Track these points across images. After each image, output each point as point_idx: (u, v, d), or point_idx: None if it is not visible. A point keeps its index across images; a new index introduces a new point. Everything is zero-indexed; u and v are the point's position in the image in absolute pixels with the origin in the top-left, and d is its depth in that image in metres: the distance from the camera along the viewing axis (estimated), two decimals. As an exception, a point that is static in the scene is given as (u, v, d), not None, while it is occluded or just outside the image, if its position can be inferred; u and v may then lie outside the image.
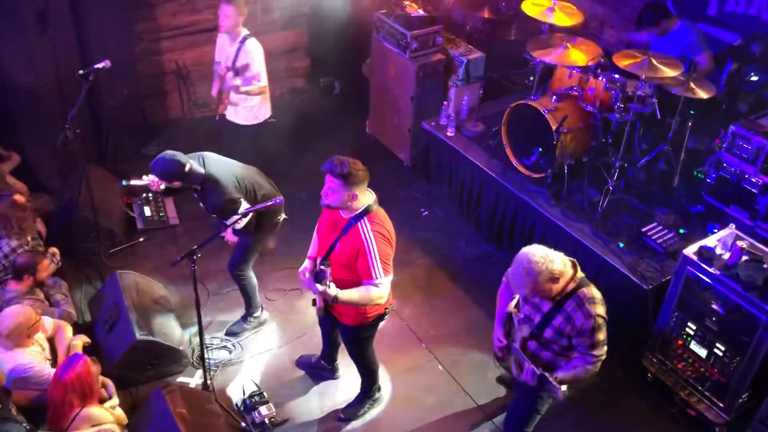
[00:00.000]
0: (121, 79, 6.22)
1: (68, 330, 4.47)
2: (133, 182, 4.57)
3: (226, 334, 4.99)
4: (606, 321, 3.46)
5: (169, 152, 4.21)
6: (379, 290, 3.67)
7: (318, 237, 3.94)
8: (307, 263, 3.96)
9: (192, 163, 4.23)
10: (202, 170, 4.27)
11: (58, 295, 4.75)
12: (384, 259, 3.63)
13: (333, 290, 3.59)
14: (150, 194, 6.07)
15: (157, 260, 5.50)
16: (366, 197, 3.68)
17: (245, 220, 4.32)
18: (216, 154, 4.52)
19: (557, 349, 3.56)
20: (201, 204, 4.50)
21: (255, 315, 5.04)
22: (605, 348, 3.50)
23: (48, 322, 4.35)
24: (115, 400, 4.11)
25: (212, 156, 4.46)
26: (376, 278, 3.62)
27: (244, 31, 5.46)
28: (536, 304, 3.57)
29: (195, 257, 3.93)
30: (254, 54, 5.42)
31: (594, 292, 3.47)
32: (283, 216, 4.70)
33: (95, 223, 5.37)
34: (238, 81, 5.44)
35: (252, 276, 4.87)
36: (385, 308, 3.94)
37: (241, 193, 4.35)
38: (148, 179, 4.37)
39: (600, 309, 3.43)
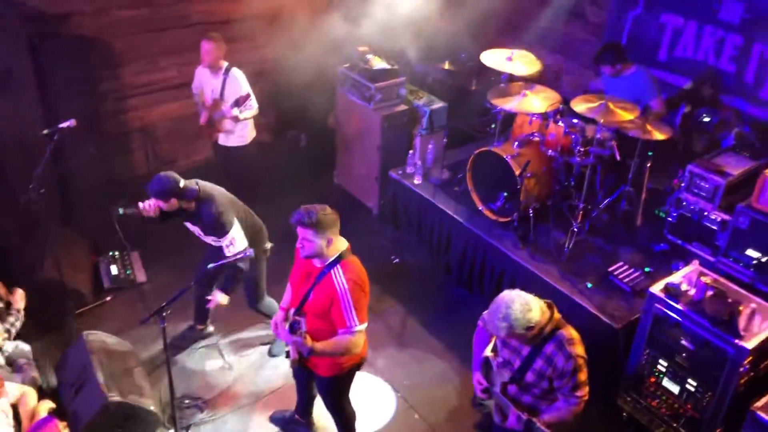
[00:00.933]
0: (86, 138, 6.20)
1: (32, 395, 4.32)
2: (129, 210, 4.58)
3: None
4: (586, 360, 3.49)
5: (163, 172, 4.36)
6: (355, 339, 3.64)
7: (291, 287, 3.93)
8: (279, 314, 3.93)
9: (185, 181, 4.37)
10: (195, 186, 4.39)
11: (21, 360, 4.62)
12: (358, 306, 3.61)
13: (308, 342, 3.56)
14: (116, 253, 6.00)
15: (125, 319, 5.40)
16: (340, 243, 3.70)
17: (239, 247, 4.37)
18: None
19: (538, 392, 3.56)
20: (194, 227, 4.56)
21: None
22: (587, 388, 3.52)
23: (12, 388, 4.21)
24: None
25: (204, 181, 4.60)
26: (351, 326, 3.60)
27: (226, 63, 5.85)
28: (515, 347, 3.58)
29: (164, 314, 3.87)
30: (241, 81, 5.84)
31: (572, 332, 3.51)
32: (269, 244, 4.85)
33: (61, 284, 5.27)
34: (236, 111, 5.76)
35: (271, 301, 5.00)
36: (361, 358, 3.91)
37: (234, 212, 4.45)
38: (142, 205, 4.42)
39: (579, 349, 3.46)
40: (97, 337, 4.84)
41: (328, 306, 3.62)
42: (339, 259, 3.66)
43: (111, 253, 5.97)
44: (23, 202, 4.99)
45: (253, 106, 5.92)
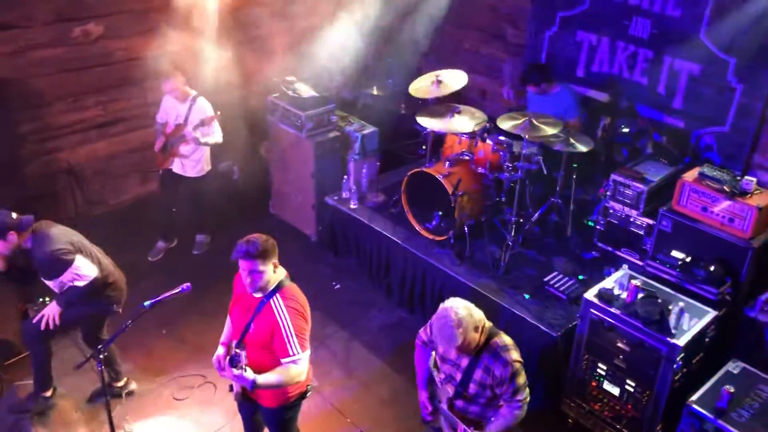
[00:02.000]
0: (7, 181, 6.01)
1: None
2: None
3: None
4: (522, 364, 3.60)
5: None
6: (298, 367, 3.59)
7: (231, 320, 3.86)
8: (220, 350, 3.86)
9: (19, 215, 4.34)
10: (30, 218, 4.35)
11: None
12: (300, 333, 3.57)
13: (250, 374, 3.48)
14: (47, 299, 5.77)
15: (59, 366, 5.15)
16: (279, 271, 3.67)
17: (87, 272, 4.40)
18: None
19: (484, 401, 3.64)
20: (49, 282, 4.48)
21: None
22: (527, 390, 3.63)
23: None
24: None
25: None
26: (293, 354, 3.54)
27: (193, 92, 6.02)
28: (454, 362, 3.64)
29: (101, 356, 3.76)
30: (206, 108, 5.97)
31: (505, 338, 3.62)
32: (119, 308, 4.78)
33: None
34: (197, 133, 5.89)
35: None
36: (307, 386, 3.87)
37: (76, 250, 4.40)
38: None
39: (515, 354, 3.57)
40: (29, 387, 4.64)
41: (269, 336, 3.57)
42: (278, 288, 3.62)
43: (40, 300, 5.72)
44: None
45: (215, 133, 6.01)
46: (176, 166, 6.17)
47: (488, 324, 3.62)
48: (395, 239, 5.80)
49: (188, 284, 3.76)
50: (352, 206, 6.21)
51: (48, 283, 4.54)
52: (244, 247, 3.50)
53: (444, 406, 3.73)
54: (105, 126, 6.77)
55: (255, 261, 3.48)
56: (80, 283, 4.40)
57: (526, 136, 5.15)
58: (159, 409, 4.96)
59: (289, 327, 3.53)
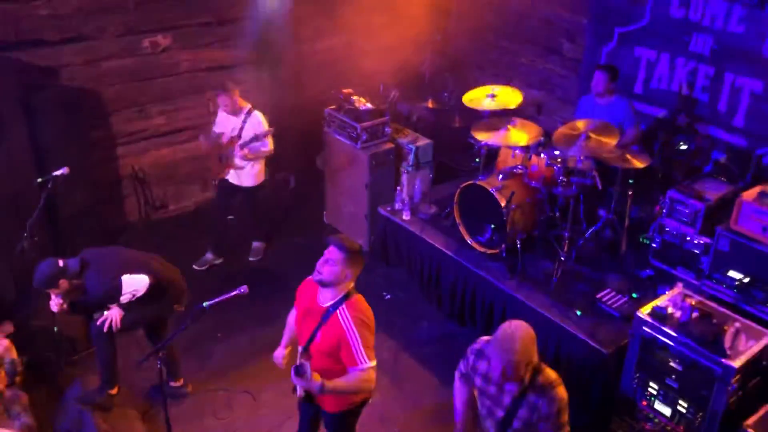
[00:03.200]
0: (78, 186, 6.29)
1: (29, 443, 4.33)
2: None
3: None
4: (567, 401, 3.54)
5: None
6: (366, 375, 3.60)
7: (296, 328, 3.90)
8: (279, 351, 3.99)
9: (65, 260, 4.46)
10: (76, 259, 4.48)
11: (17, 407, 4.61)
12: (366, 344, 3.58)
13: (317, 381, 3.50)
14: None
15: (119, 364, 5.39)
16: (351, 285, 3.71)
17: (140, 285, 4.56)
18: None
19: None
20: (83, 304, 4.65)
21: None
22: (569, 428, 3.58)
23: (9, 434, 4.22)
24: None
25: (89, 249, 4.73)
26: (361, 364, 3.56)
27: (247, 105, 6.16)
28: (495, 396, 3.60)
29: (161, 354, 3.91)
30: (261, 124, 6.11)
31: (550, 374, 3.55)
32: (181, 306, 4.92)
33: (54, 332, 5.28)
34: (245, 150, 6.05)
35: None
36: (371, 392, 3.90)
37: (120, 271, 4.54)
38: (53, 307, 4.55)
39: (561, 391, 3.52)
40: (92, 382, 4.84)
41: (336, 345, 3.58)
42: (345, 298, 3.64)
43: (104, 300, 5.99)
44: (17, 252, 5.04)
45: (262, 147, 6.13)
46: (232, 177, 6.35)
47: (536, 359, 3.53)
48: (446, 251, 5.84)
49: (245, 286, 3.87)
50: (404, 217, 6.28)
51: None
52: (340, 238, 3.65)
53: None
54: (168, 134, 7.04)
55: (340, 253, 3.54)
56: (139, 294, 4.56)
57: (582, 152, 5.13)
58: (203, 416, 5.10)
59: (356, 338, 3.54)
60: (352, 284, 3.72)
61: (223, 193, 6.53)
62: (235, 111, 6.11)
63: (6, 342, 4.98)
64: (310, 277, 3.75)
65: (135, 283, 4.54)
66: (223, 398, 5.22)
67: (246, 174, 6.32)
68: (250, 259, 6.78)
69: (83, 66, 6.32)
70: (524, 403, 3.49)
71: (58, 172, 5.03)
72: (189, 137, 7.13)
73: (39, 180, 5.03)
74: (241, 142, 6.05)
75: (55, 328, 5.20)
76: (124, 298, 4.54)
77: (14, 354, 4.96)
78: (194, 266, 6.57)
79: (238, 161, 6.19)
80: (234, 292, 3.83)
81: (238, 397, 5.22)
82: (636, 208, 5.75)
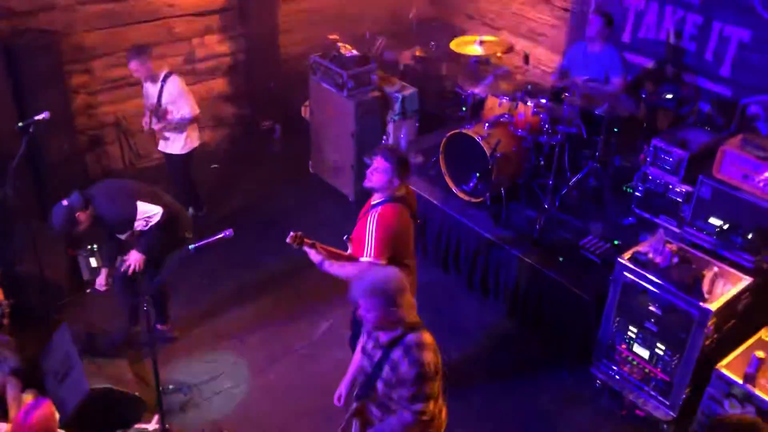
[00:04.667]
0: (60, 133, 6.22)
1: (17, 385, 4.35)
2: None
3: None
4: (437, 373, 3.10)
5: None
6: (365, 266, 3.75)
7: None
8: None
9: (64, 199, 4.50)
10: (74, 194, 4.51)
11: (5, 351, 4.63)
12: (380, 243, 3.78)
13: (319, 256, 3.80)
14: (94, 246, 6.02)
15: (105, 310, 5.42)
16: (399, 190, 3.94)
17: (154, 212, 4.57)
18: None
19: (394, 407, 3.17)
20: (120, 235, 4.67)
21: None
22: (432, 405, 3.09)
23: (-2, 377, 4.25)
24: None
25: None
26: (367, 256, 3.79)
27: (164, 71, 5.81)
28: (370, 353, 3.27)
29: (147, 297, 3.93)
30: (175, 90, 5.77)
31: (426, 337, 3.12)
32: (189, 233, 4.91)
33: (40, 278, 5.28)
34: (164, 123, 5.82)
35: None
36: None
37: (133, 196, 4.60)
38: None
39: (429, 356, 3.06)
40: (78, 326, 4.88)
41: (360, 238, 3.85)
42: (385, 201, 3.89)
43: (89, 247, 5.99)
44: None
45: (181, 113, 5.81)
46: (161, 146, 6.12)
47: (415, 317, 3.18)
48: (432, 200, 5.86)
49: (230, 230, 3.88)
50: (390, 166, 6.27)
51: (123, 237, 4.75)
52: (387, 148, 3.94)
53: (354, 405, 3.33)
54: (152, 81, 6.93)
55: (386, 162, 3.81)
56: (153, 222, 4.59)
57: (568, 100, 5.12)
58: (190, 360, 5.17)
59: (373, 232, 3.78)
60: (402, 189, 3.96)
61: (168, 162, 6.28)
62: (151, 77, 5.79)
63: None
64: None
65: (149, 210, 4.58)
66: (209, 342, 5.28)
67: (172, 142, 6.03)
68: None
69: (62, 10, 6.18)
70: (389, 360, 3.09)
71: (39, 117, 4.95)
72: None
73: (19, 124, 4.95)
74: (157, 111, 5.82)
75: (42, 272, 5.20)
76: (138, 224, 4.57)
77: (0, 296, 4.96)
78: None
79: (163, 131, 5.95)
80: (219, 235, 3.83)
81: (224, 341, 5.27)
82: (619, 157, 5.78)
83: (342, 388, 3.61)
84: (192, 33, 6.91)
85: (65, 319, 5.25)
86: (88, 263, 5.86)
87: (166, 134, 6.00)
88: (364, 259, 3.82)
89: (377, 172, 3.85)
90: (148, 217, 4.58)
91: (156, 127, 5.91)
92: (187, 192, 6.36)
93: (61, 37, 6.18)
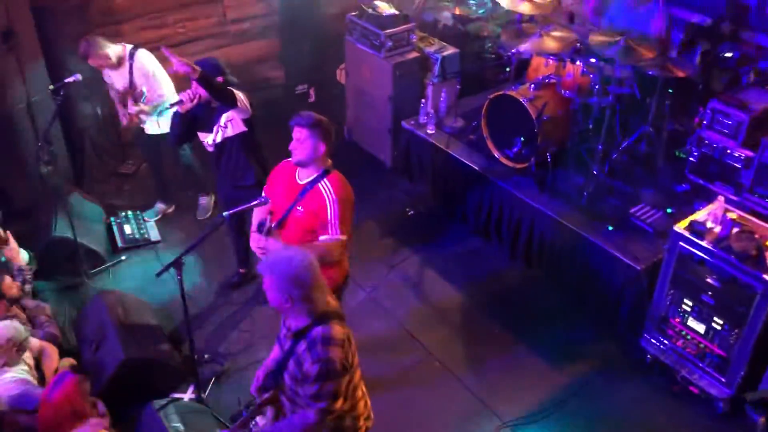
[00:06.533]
0: (92, 98, 6.12)
1: (54, 352, 4.33)
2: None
3: None
4: (344, 369, 2.87)
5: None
6: (333, 245, 3.66)
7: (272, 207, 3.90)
8: (254, 236, 3.87)
9: None
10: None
11: (41, 317, 4.60)
12: (343, 219, 3.66)
13: (278, 241, 3.64)
14: (129, 213, 5.95)
15: (141, 277, 5.36)
16: (328, 160, 3.75)
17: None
18: None
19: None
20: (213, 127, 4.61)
21: None
22: (338, 403, 2.88)
23: (33, 343, 4.21)
24: (107, 420, 3.96)
25: None
26: (333, 234, 3.65)
27: (127, 49, 5.43)
28: (282, 339, 3.10)
29: (181, 266, 3.82)
30: (146, 64, 5.43)
31: (336, 330, 2.86)
32: None
33: (75, 244, 5.23)
34: (138, 106, 5.43)
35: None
36: (344, 275, 3.94)
37: None
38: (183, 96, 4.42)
39: (336, 352, 2.82)
40: (113, 294, 4.83)
41: (315, 216, 3.66)
42: (325, 174, 3.72)
43: (123, 213, 5.92)
44: (33, 161, 4.93)
45: (157, 92, 5.49)
46: (152, 128, 5.63)
47: (329, 305, 2.92)
48: (473, 166, 5.63)
49: (266, 196, 3.80)
50: (429, 131, 6.04)
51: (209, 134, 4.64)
52: (300, 116, 3.67)
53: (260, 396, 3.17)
54: (184, 44, 6.76)
55: (304, 129, 3.62)
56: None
57: (621, 59, 4.82)
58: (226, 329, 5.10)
59: (335, 208, 3.64)
60: (329, 161, 3.78)
61: (146, 143, 5.83)
62: (116, 63, 5.38)
63: (14, 246, 4.89)
64: (284, 160, 3.91)
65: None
66: (245, 311, 5.18)
67: (162, 119, 5.56)
68: (198, 217, 6.09)
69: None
70: (294, 354, 2.88)
71: (70, 79, 4.86)
72: (204, 48, 6.84)
73: (51, 87, 4.84)
74: (140, 88, 5.45)
75: (77, 239, 5.14)
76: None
77: (20, 260, 4.89)
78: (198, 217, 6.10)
79: (139, 114, 5.51)
80: (254, 201, 3.74)
81: (261, 310, 5.16)
82: (672, 122, 5.47)
83: (258, 375, 3.26)
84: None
85: (100, 286, 5.22)
86: (123, 230, 5.79)
87: (144, 117, 5.53)
88: (331, 236, 3.64)
89: (299, 142, 3.66)
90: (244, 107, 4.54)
91: (132, 110, 5.45)
92: (157, 182, 6.09)
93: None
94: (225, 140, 4.65)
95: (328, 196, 3.66)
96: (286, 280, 2.80)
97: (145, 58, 5.43)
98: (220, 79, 4.46)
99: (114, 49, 5.35)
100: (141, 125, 5.63)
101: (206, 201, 6.10)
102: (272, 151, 6.60)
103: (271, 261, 2.91)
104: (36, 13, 5.53)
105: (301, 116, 3.68)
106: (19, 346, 3.92)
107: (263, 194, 3.91)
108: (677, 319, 4.36)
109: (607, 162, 5.28)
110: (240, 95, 4.46)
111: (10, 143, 5.60)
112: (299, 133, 3.65)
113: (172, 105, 4.56)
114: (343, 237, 3.68)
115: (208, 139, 4.68)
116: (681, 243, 4.19)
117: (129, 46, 5.46)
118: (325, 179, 3.70)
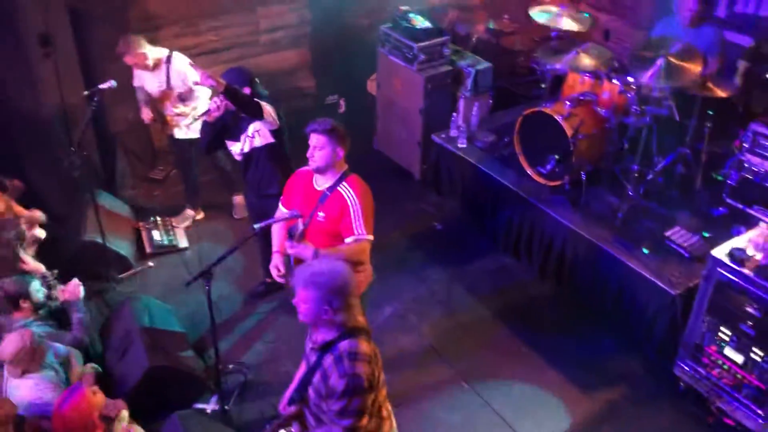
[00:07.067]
0: (125, 103, 6.15)
1: (78, 357, 4.30)
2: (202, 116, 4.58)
3: None
4: (371, 386, 2.79)
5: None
6: (361, 245, 3.68)
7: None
8: (276, 258, 3.92)
9: None
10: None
11: (79, 315, 4.50)
12: (367, 218, 3.67)
13: (311, 247, 3.59)
14: (158, 218, 5.96)
15: (168, 284, 5.36)
16: (345, 164, 3.77)
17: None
18: None
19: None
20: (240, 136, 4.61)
21: None
22: (364, 420, 2.80)
23: (60, 349, 4.18)
24: (125, 413, 3.88)
25: None
26: (359, 234, 3.65)
27: (164, 53, 5.48)
28: (308, 353, 3.01)
29: (210, 276, 3.79)
30: (184, 68, 5.45)
31: (363, 346, 2.79)
32: None
33: (104, 249, 5.23)
34: (179, 108, 5.55)
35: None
36: (370, 283, 3.96)
37: None
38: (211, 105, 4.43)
39: (363, 368, 2.75)
40: (141, 301, 4.81)
41: (338, 220, 3.67)
42: (344, 176, 3.75)
43: (152, 219, 5.93)
44: (65, 166, 4.95)
45: (198, 97, 5.56)
46: (181, 133, 5.70)
47: (358, 321, 2.85)
48: (504, 182, 5.55)
49: (296, 209, 3.77)
50: (460, 145, 5.98)
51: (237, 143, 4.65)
52: (315, 122, 3.68)
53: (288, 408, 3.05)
54: (218, 52, 6.79)
55: (321, 136, 3.63)
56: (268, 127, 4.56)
57: (660, 79, 4.72)
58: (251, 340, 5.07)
59: (358, 209, 3.67)
60: (346, 165, 3.81)
61: (180, 150, 5.89)
62: (152, 65, 5.44)
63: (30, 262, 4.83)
64: (298, 170, 3.95)
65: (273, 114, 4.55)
66: (270, 322, 5.14)
67: (195, 124, 5.55)
68: (235, 216, 6.17)
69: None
70: (320, 367, 2.81)
71: (104, 85, 4.87)
72: (237, 56, 6.86)
73: (85, 92, 4.87)
74: (176, 93, 5.52)
75: (106, 243, 5.14)
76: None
77: (41, 268, 4.83)
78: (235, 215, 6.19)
79: (178, 118, 5.61)
80: (287, 215, 3.70)
81: (287, 321, 5.12)
82: (710, 144, 5.34)
83: (286, 394, 3.14)
84: (257, 2, 6.71)
85: (127, 291, 5.22)
86: (151, 236, 5.80)
87: (182, 120, 5.59)
88: (357, 237, 3.68)
89: (317, 149, 3.66)
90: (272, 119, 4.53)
91: (171, 111, 5.55)
92: (187, 187, 6.11)
93: (127, 4, 6.07)
94: (252, 150, 4.64)
95: (349, 198, 3.69)
96: (330, 290, 2.75)
97: (182, 61, 5.47)
98: (247, 90, 4.46)
99: (153, 52, 5.41)
100: (176, 128, 5.67)
101: (241, 199, 6.09)
102: (303, 161, 6.64)
103: (308, 274, 2.81)
104: (73, 18, 5.57)
105: (317, 123, 3.68)
106: (33, 355, 3.89)
107: (280, 204, 3.95)
108: (713, 348, 4.23)
109: (643, 183, 5.17)
110: (267, 107, 4.45)
111: (42, 147, 5.64)
112: (317, 140, 3.66)
113: (200, 115, 4.54)
114: (370, 236, 3.72)
115: (235, 147, 4.68)
116: (719, 269, 4.07)
117: (165, 52, 5.51)
118: (344, 182, 3.74)
